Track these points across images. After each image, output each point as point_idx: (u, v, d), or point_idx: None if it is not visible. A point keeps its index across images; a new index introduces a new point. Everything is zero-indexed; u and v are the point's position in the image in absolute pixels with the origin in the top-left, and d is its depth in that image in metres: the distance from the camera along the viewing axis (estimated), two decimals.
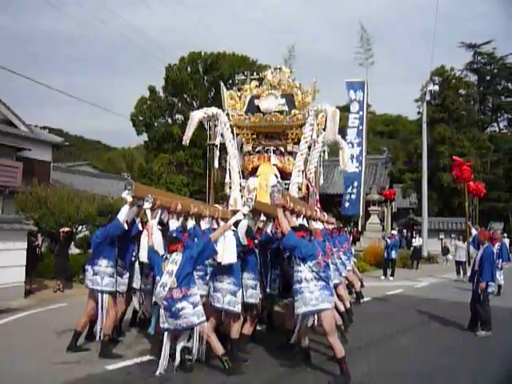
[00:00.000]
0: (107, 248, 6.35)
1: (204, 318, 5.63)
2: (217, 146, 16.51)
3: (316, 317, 5.50)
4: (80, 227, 14.34)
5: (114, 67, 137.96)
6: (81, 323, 6.56)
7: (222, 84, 9.33)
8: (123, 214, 6.16)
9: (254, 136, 8.66)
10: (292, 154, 8.54)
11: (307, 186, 8.54)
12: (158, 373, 5.47)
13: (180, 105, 38.38)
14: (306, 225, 6.41)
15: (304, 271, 5.51)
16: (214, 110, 8.66)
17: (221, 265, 5.95)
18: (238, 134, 8.76)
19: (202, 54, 37.23)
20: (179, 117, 38.88)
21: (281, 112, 8.42)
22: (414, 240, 22.61)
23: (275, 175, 8.23)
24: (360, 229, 25.36)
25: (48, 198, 13.57)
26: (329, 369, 5.77)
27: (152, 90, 38.02)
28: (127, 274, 6.76)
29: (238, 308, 6.00)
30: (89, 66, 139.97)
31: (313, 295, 5.43)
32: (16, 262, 10.28)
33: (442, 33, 56.97)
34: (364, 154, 21.58)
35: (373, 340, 7.45)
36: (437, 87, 30.24)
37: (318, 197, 9.34)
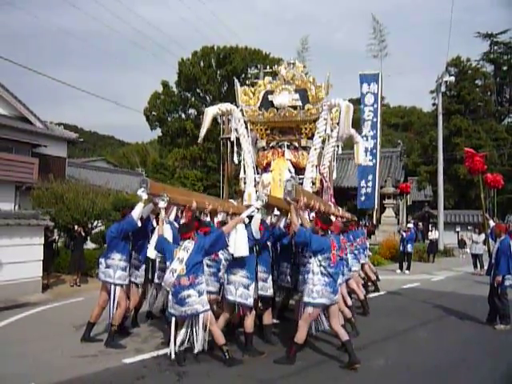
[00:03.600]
0: (121, 243, 6.51)
1: (208, 307, 5.70)
2: (232, 142, 16.49)
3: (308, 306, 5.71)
4: (95, 222, 14.45)
5: (127, 62, 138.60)
6: (94, 315, 6.69)
7: (235, 80, 9.31)
8: (137, 211, 6.34)
9: (268, 131, 8.67)
10: (306, 148, 8.53)
11: (321, 180, 8.51)
12: (172, 357, 5.62)
13: (193, 99, 38.41)
14: None
15: (313, 264, 5.72)
16: (227, 105, 8.68)
17: (235, 258, 6.02)
18: (251, 130, 8.76)
19: (215, 48, 37.14)
20: (192, 111, 38.95)
21: (294, 107, 8.39)
22: (430, 233, 22.38)
23: (289, 170, 8.22)
24: (375, 222, 25.21)
25: (64, 194, 13.70)
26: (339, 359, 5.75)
27: (165, 84, 38.10)
28: (143, 267, 7.00)
29: (250, 301, 6.05)
30: (102, 61, 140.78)
31: (314, 288, 5.64)
32: (33, 257, 10.40)
33: (457, 23, 56.24)
34: (378, 146, 21.37)
35: (389, 334, 7.40)
36: (453, 78, 29.75)
37: (332, 191, 9.32)
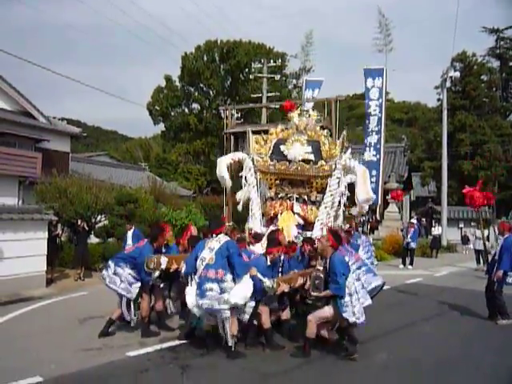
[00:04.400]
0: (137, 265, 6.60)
1: (226, 306, 5.63)
2: (236, 136, 16.24)
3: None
4: (99, 217, 14.49)
5: (131, 56, 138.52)
6: (116, 312, 6.77)
7: (249, 130, 8.98)
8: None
9: (278, 182, 8.42)
10: (315, 203, 8.24)
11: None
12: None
13: (196, 94, 38.37)
14: None
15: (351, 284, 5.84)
16: (240, 155, 8.62)
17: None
18: (261, 179, 8.49)
19: (218, 42, 37.05)
20: (196, 106, 38.93)
21: (307, 161, 8.08)
22: (433, 229, 22.37)
23: (296, 225, 7.98)
24: (378, 217, 25.16)
25: (67, 188, 13.73)
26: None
27: (168, 79, 38.09)
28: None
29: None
30: (106, 55, 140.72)
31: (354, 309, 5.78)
32: (37, 252, 10.43)
33: (464, 18, 55.68)
34: (382, 142, 21.29)
35: (391, 328, 7.41)
36: (458, 73, 29.56)
37: None
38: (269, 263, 6.26)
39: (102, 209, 14.17)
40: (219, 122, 26.63)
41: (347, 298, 5.75)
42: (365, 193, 7.62)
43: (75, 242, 12.75)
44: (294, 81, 39.74)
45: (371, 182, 21.38)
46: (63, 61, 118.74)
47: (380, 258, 18.31)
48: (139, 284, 6.66)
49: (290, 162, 8.14)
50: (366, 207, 8.62)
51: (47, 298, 9.67)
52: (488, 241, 19.62)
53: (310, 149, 8.11)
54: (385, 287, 11.03)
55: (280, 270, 6.58)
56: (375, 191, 21.57)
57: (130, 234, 11.67)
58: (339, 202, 8.08)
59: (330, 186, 7.94)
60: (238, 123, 20.10)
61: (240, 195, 8.50)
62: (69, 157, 21.21)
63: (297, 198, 8.23)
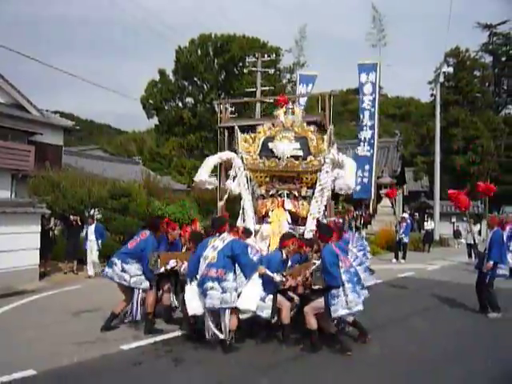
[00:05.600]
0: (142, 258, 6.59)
1: (227, 305, 5.68)
2: (229, 131, 16.21)
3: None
4: (92, 210, 14.45)
5: (124, 50, 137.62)
6: (119, 308, 6.75)
7: (236, 127, 9.03)
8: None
9: (268, 179, 8.48)
10: (306, 198, 8.34)
11: None
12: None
13: (190, 88, 38.25)
14: None
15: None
16: (228, 154, 8.66)
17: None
18: (251, 178, 8.56)
19: (213, 36, 36.91)
20: (189, 100, 38.84)
21: (296, 158, 8.18)
22: (425, 223, 22.51)
23: (287, 221, 8.02)
24: (372, 212, 25.27)
25: (60, 182, 13.68)
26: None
27: (162, 73, 37.94)
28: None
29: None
30: (99, 49, 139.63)
31: (347, 298, 5.72)
32: (30, 245, 10.41)
33: (457, 14, 55.84)
34: (376, 137, 21.34)
35: (384, 322, 7.47)
36: (451, 69, 29.74)
37: None
38: (284, 256, 6.31)
39: (96, 202, 14.13)
40: (213, 116, 26.59)
41: (335, 290, 5.73)
42: (350, 184, 7.67)
43: (67, 235, 12.74)
44: (288, 75, 39.70)
45: (364, 177, 21.67)
46: (57, 54, 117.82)
47: (373, 253, 18.43)
48: None
49: (279, 158, 8.21)
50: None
51: (40, 292, 9.67)
52: (480, 235, 19.80)
53: (298, 145, 8.20)
54: (378, 281, 11.22)
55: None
56: (368, 186, 21.76)
57: (91, 228, 12.02)
58: (327, 195, 8.15)
59: (320, 181, 8.02)
60: (231, 117, 20.03)
61: (230, 185, 8.41)
62: (62, 150, 21.03)
63: (287, 194, 8.28)
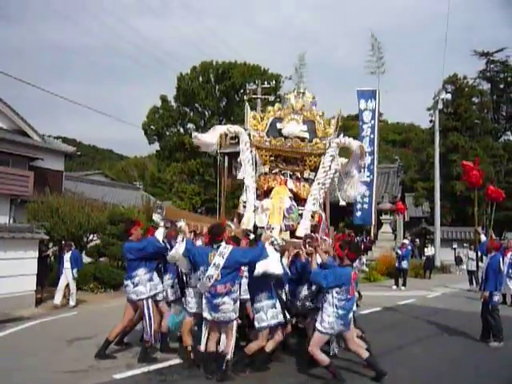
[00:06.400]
0: (142, 261, 6.55)
1: (237, 314, 5.83)
2: (229, 157, 16.40)
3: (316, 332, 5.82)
4: (91, 236, 14.43)
5: (127, 77, 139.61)
6: (114, 333, 6.64)
7: (246, 104, 9.30)
8: (161, 234, 6.49)
9: (272, 158, 8.55)
10: (308, 180, 8.44)
11: (319, 215, 8.45)
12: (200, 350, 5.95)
13: (192, 114, 38.62)
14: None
15: (329, 294, 5.77)
16: (236, 128, 8.73)
17: (254, 282, 6.07)
18: (256, 155, 8.69)
19: (214, 63, 37.46)
20: (191, 126, 39.12)
21: (302, 139, 8.31)
22: (426, 249, 22.37)
23: (289, 198, 8.10)
24: (372, 238, 25.16)
25: (59, 207, 13.70)
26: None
27: (164, 99, 38.36)
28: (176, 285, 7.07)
29: (281, 317, 6.07)
30: (103, 76, 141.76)
31: (327, 319, 5.71)
32: (27, 271, 10.37)
33: (454, 41, 56.88)
34: (375, 162, 21.35)
35: (383, 350, 7.32)
36: (449, 95, 30.01)
37: (327, 222, 9.36)
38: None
39: (94, 228, 14.12)
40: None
41: (322, 306, 5.80)
42: (359, 167, 8.11)
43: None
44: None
45: (365, 203, 21.64)
46: (61, 81, 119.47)
47: (374, 279, 18.33)
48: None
49: (285, 138, 8.32)
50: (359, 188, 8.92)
51: (36, 319, 9.56)
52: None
53: (305, 127, 8.32)
54: (377, 308, 11.15)
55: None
56: (368, 212, 21.69)
57: (67, 256, 11.26)
58: (331, 179, 8.30)
59: (323, 164, 8.14)
60: (231, 143, 20.17)
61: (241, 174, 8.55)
62: (62, 175, 21.20)
63: (290, 175, 8.38)
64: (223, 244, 5.88)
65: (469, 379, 6.13)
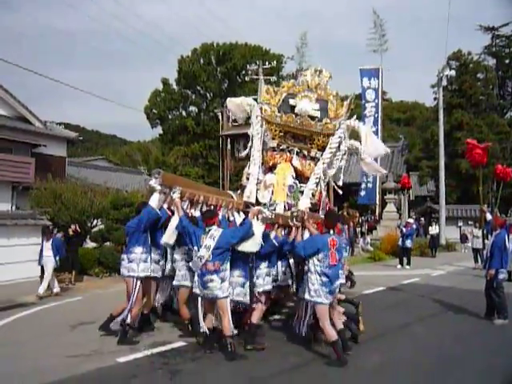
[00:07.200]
0: (141, 236, 6.60)
1: (228, 293, 5.97)
2: (232, 139, 16.65)
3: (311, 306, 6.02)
4: (94, 221, 14.44)
5: (128, 61, 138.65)
6: (119, 309, 6.73)
7: (261, 78, 9.36)
8: (155, 201, 6.50)
9: (282, 134, 8.64)
10: (314, 159, 8.54)
11: (320, 193, 8.54)
12: (201, 330, 6.08)
13: (193, 97, 38.34)
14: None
15: (310, 263, 5.94)
16: (250, 100, 8.87)
17: (236, 255, 6.19)
18: (266, 129, 8.76)
19: (215, 45, 37.04)
20: (193, 109, 38.90)
21: (313, 117, 8.37)
22: (430, 228, 22.28)
23: (292, 176, 8.25)
24: (377, 217, 25.10)
25: (62, 193, 13.70)
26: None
27: (165, 82, 38.04)
28: (163, 261, 7.02)
29: (246, 299, 6.24)
30: (104, 60, 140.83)
31: (313, 287, 5.84)
32: (31, 257, 10.39)
33: (460, 17, 55.57)
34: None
35: (386, 330, 7.35)
36: (453, 72, 29.61)
37: (329, 202, 9.43)
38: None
39: (98, 213, 14.12)
40: (217, 125, 26.58)
41: (307, 277, 5.96)
42: (374, 148, 8.24)
43: (66, 246, 12.47)
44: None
45: (369, 182, 21.55)
46: (63, 67, 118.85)
47: (378, 258, 18.34)
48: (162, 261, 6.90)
49: (296, 115, 8.39)
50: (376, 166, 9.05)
51: (41, 304, 9.61)
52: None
53: (317, 106, 8.41)
54: (381, 287, 11.16)
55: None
56: (373, 191, 21.68)
57: (48, 244, 10.45)
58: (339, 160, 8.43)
59: (330, 144, 8.28)
60: (234, 125, 20.03)
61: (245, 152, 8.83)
62: (65, 161, 21.17)
63: (297, 152, 8.53)
64: (214, 227, 6.06)
65: (475, 358, 6.10)
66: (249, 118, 8.96)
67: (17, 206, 12.64)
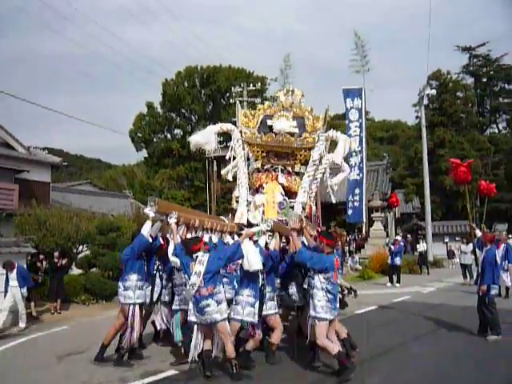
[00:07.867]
0: (136, 263, 6.68)
1: (226, 315, 5.98)
2: (218, 161, 16.92)
3: (315, 322, 6.02)
4: (80, 247, 14.18)
5: (113, 85, 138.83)
6: (108, 337, 6.73)
7: (237, 102, 9.56)
8: (146, 229, 6.62)
9: (264, 154, 8.84)
10: (298, 174, 8.80)
11: (310, 206, 8.72)
12: (189, 360, 6.04)
13: (178, 120, 38.46)
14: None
15: (316, 280, 6.05)
16: (229, 126, 8.97)
17: (242, 276, 6.35)
18: (248, 151, 8.92)
19: (199, 67, 37.36)
20: (178, 131, 38.96)
21: (292, 134, 8.61)
22: (418, 245, 22.37)
23: (281, 193, 8.39)
24: (364, 236, 25.14)
25: (47, 219, 13.44)
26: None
27: (150, 106, 38.15)
28: (149, 287, 6.97)
29: (256, 319, 6.27)
30: (88, 85, 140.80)
31: (319, 303, 5.96)
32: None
33: (438, 37, 57.11)
34: (364, 161, 21.45)
35: (381, 350, 7.25)
36: (434, 91, 30.21)
37: (319, 214, 9.53)
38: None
39: (84, 239, 13.88)
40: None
41: (312, 294, 6.04)
42: (340, 157, 8.38)
43: (51, 274, 11.99)
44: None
45: (355, 201, 21.60)
46: (47, 91, 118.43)
47: (368, 277, 18.29)
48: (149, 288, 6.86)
49: (276, 134, 8.60)
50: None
51: (27, 334, 9.30)
52: (474, 254, 19.66)
53: (295, 123, 8.66)
54: (373, 306, 11.09)
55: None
56: (360, 209, 21.71)
57: (12, 275, 9.75)
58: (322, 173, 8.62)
59: (312, 157, 8.49)
60: (219, 147, 20.10)
61: (227, 169, 8.98)
62: (49, 187, 20.92)
63: (282, 170, 8.70)
64: (200, 253, 6.05)
65: (472, 377, 6.04)
66: (219, 142, 9.12)
67: (0, 234, 12.36)
